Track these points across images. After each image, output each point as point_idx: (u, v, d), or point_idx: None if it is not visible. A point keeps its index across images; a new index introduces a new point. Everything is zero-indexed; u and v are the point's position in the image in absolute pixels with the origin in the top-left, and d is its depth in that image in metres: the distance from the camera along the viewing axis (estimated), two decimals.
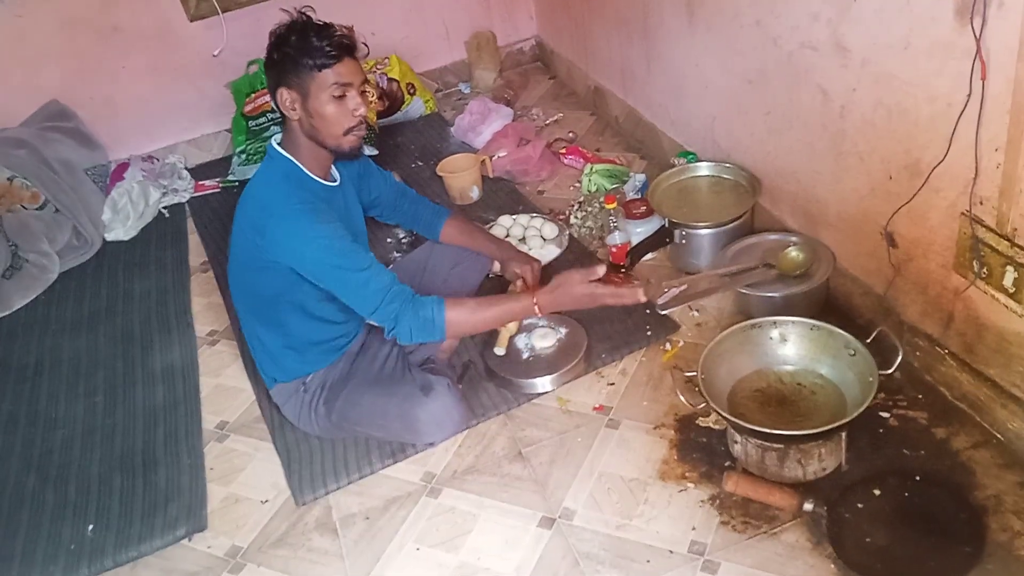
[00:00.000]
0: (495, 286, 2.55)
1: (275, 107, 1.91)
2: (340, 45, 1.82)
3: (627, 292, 1.87)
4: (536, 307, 1.90)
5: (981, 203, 1.65)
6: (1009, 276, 1.63)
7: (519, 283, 2.33)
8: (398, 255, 2.77)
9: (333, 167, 2.03)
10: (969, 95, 1.56)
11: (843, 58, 1.92)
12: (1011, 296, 1.65)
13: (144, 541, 1.98)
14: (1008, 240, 1.60)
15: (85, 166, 3.41)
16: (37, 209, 3.15)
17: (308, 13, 1.84)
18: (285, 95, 1.85)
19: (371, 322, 1.94)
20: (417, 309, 1.86)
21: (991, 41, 1.50)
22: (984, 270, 1.69)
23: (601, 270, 1.87)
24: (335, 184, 2.02)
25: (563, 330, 2.30)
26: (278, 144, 1.95)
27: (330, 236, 1.85)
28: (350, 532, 1.93)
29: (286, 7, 1.85)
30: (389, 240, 2.88)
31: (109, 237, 3.31)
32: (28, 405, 2.52)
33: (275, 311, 2.01)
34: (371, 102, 3.45)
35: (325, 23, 1.84)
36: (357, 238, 2.12)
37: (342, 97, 1.85)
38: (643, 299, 1.88)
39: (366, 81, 1.91)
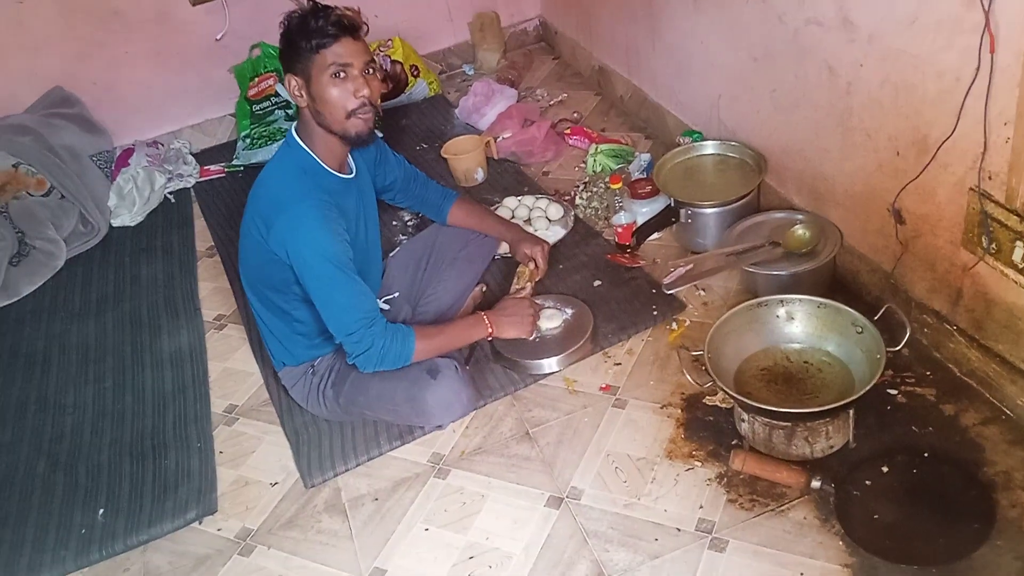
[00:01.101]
0: (502, 267, 2.55)
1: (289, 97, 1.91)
2: (337, 24, 1.80)
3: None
4: (489, 328, 2.09)
5: (990, 178, 1.63)
6: (1018, 251, 1.62)
7: (531, 265, 2.33)
8: (404, 237, 2.77)
9: (350, 157, 2.02)
10: (978, 69, 1.55)
11: (850, 34, 1.90)
12: (1020, 271, 1.63)
13: (155, 524, 2.00)
14: (1017, 215, 1.59)
15: (90, 152, 3.41)
16: (43, 196, 3.16)
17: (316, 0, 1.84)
18: (292, 82, 1.85)
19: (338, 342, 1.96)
20: (391, 342, 1.90)
21: (1000, 14, 1.48)
22: (993, 245, 1.67)
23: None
24: (351, 176, 2.02)
25: (569, 311, 2.30)
26: (296, 131, 1.94)
27: (333, 248, 1.85)
28: (359, 514, 1.94)
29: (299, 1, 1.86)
30: (395, 223, 2.88)
31: (115, 223, 3.31)
32: (37, 391, 2.53)
33: (284, 300, 2.02)
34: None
35: (326, 5, 1.82)
36: (370, 227, 2.12)
37: (344, 78, 1.83)
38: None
39: (372, 62, 1.88)
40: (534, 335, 2.20)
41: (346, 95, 1.84)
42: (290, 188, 1.87)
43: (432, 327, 2.07)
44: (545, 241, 2.42)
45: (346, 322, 1.89)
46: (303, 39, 1.80)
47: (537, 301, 2.29)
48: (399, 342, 1.92)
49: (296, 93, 1.86)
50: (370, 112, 1.89)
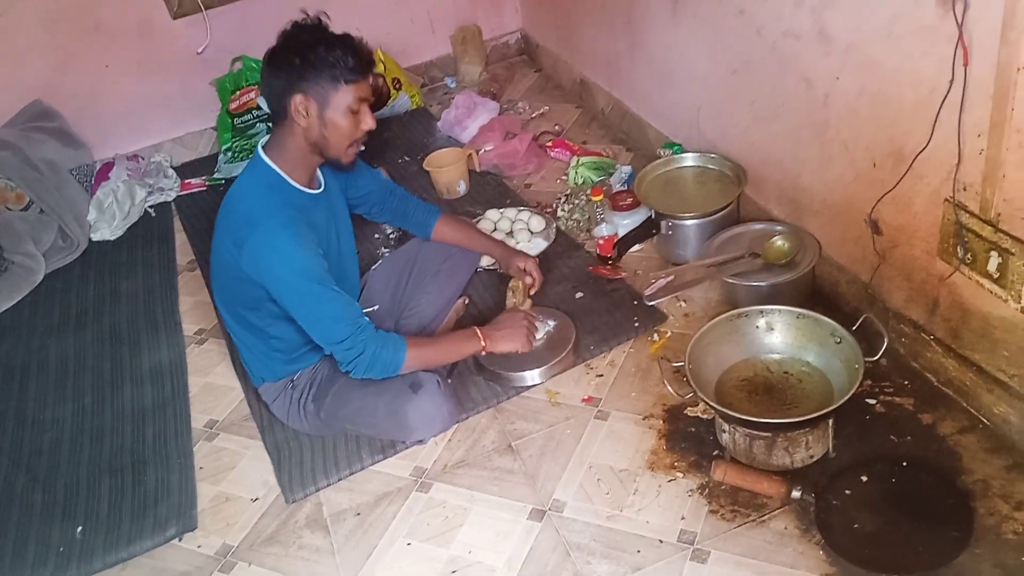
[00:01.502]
0: (485, 280, 2.55)
1: (272, 107, 1.88)
2: (368, 62, 1.85)
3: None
4: (483, 343, 2.06)
5: (964, 189, 1.65)
6: (993, 261, 1.63)
7: (527, 279, 2.33)
8: (386, 250, 2.77)
9: (319, 171, 2.02)
10: (952, 81, 1.56)
11: (826, 46, 1.92)
12: (995, 281, 1.65)
13: (134, 542, 1.98)
14: (992, 225, 1.61)
15: (70, 166, 3.39)
16: (22, 210, 3.13)
17: (324, 19, 1.84)
18: (300, 101, 1.82)
19: (328, 352, 1.95)
20: (381, 349, 1.90)
21: (973, 26, 1.50)
22: (968, 256, 1.69)
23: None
24: (319, 191, 2.01)
25: (552, 323, 2.29)
26: (263, 147, 1.93)
27: (307, 262, 1.84)
28: (341, 528, 1.93)
29: (305, 8, 1.86)
30: (377, 236, 2.88)
31: (95, 237, 3.29)
32: (16, 407, 2.50)
33: (258, 317, 2.00)
34: None
35: (348, 35, 1.84)
36: (343, 240, 2.12)
37: (358, 112, 1.87)
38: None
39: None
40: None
41: (356, 127, 1.89)
42: (258, 206, 1.86)
43: (425, 338, 2.08)
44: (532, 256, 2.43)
45: (335, 332, 1.88)
46: (333, 68, 1.80)
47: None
48: (390, 349, 1.92)
49: (303, 113, 1.84)
50: (364, 140, 1.95)
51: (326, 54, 1.80)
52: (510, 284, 2.34)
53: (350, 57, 1.81)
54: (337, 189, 2.12)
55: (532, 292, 2.35)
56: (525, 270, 2.33)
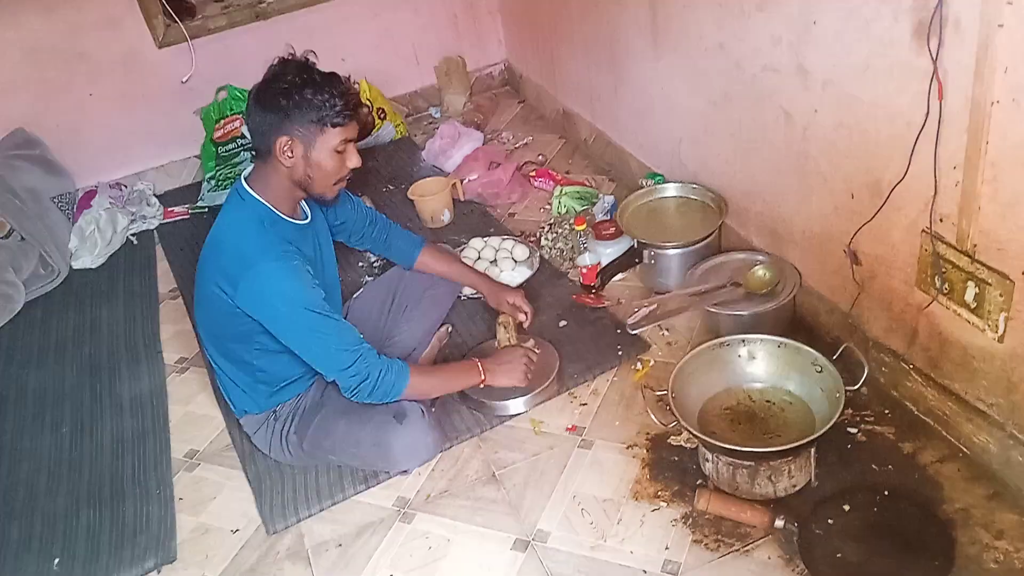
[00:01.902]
0: (468, 308, 2.56)
1: (255, 144, 1.87)
2: (355, 104, 1.85)
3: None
4: (482, 376, 2.06)
5: (941, 220, 1.68)
6: (970, 291, 1.66)
7: (520, 316, 2.32)
8: (369, 279, 2.77)
9: (303, 202, 2.02)
10: (927, 114, 1.60)
11: (804, 80, 1.96)
12: (973, 311, 1.67)
13: (112, 574, 1.95)
14: (968, 256, 1.63)
15: (52, 194, 3.38)
16: (2, 238, 3.11)
17: (311, 58, 1.85)
18: (285, 143, 1.82)
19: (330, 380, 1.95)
20: (385, 374, 1.90)
21: (948, 61, 1.53)
22: (946, 286, 1.72)
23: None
24: (306, 222, 2.01)
25: (535, 352, 2.29)
26: (246, 180, 1.93)
27: (307, 296, 1.84)
28: (322, 560, 1.91)
29: (291, 46, 1.86)
30: (361, 264, 2.88)
31: (76, 265, 3.27)
32: None
33: (246, 350, 1.99)
34: None
35: (334, 76, 1.83)
36: (327, 268, 2.11)
37: (343, 152, 1.87)
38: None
39: None
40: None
41: (342, 167, 1.89)
42: (251, 243, 1.85)
43: (427, 367, 2.08)
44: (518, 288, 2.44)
45: (339, 360, 1.87)
46: (319, 111, 1.79)
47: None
48: (393, 374, 1.91)
49: (288, 154, 1.83)
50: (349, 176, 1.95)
51: (313, 96, 1.79)
52: (499, 320, 2.33)
53: (337, 100, 1.80)
54: (322, 218, 2.13)
55: (526, 326, 2.35)
56: (514, 304, 2.33)
